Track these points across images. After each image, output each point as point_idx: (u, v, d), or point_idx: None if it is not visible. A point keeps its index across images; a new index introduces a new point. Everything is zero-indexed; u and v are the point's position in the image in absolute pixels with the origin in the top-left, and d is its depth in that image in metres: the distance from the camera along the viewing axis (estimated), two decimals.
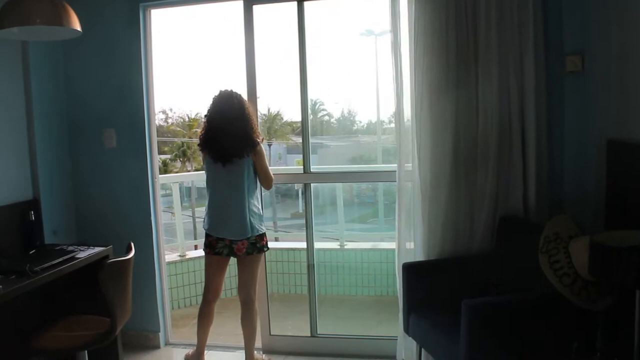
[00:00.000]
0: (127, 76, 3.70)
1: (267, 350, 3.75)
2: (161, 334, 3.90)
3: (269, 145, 17.71)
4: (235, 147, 3.26)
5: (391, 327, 3.74)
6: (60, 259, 3.08)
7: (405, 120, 3.23)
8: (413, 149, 3.21)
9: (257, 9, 3.53)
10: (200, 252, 4.69)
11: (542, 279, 2.55)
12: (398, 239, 3.33)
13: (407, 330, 3.11)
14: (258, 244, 3.39)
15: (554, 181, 3.18)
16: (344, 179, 4.21)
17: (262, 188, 3.49)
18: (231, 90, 3.34)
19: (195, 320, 3.57)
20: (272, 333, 3.77)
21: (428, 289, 3.11)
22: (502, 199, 3.16)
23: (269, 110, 20.03)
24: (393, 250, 4.60)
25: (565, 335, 2.52)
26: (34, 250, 3.31)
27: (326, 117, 19.19)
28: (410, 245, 3.31)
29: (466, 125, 3.16)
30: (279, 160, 18.04)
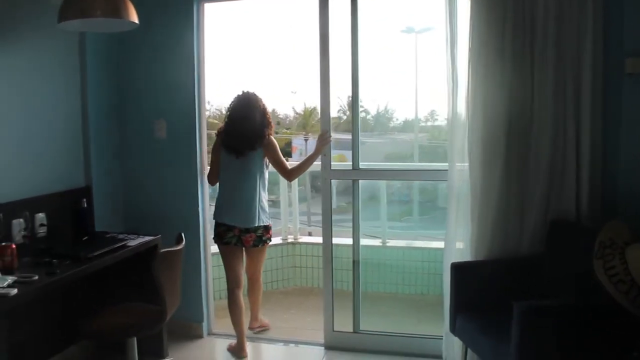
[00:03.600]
0: (180, 68, 3.75)
1: (329, 347, 3.75)
2: (204, 324, 3.96)
3: (305, 140, 17.77)
4: (247, 141, 3.59)
5: (431, 326, 3.74)
6: (113, 247, 3.15)
7: (458, 119, 3.19)
8: (464, 149, 3.18)
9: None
10: None
11: (594, 285, 2.51)
12: (447, 238, 3.30)
13: (453, 330, 3.09)
14: (264, 237, 3.71)
15: (609, 185, 3.11)
16: (393, 177, 4.21)
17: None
18: (249, 92, 3.70)
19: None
20: (335, 329, 3.77)
21: (476, 289, 3.08)
22: (553, 202, 3.11)
23: (305, 105, 20.03)
24: (434, 249, 4.70)
25: (623, 344, 2.46)
26: (86, 237, 3.39)
27: (362, 114, 19.10)
28: (459, 245, 3.28)
29: (519, 126, 3.11)
30: None
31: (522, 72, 3.09)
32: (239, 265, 3.81)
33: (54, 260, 2.87)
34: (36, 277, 2.63)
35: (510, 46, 3.06)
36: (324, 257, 3.73)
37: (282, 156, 3.70)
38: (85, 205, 3.50)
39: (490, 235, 3.17)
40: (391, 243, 4.87)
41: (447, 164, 3.26)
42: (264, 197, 3.70)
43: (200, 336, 3.93)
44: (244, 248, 3.74)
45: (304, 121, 20.20)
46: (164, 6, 3.66)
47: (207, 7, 3.77)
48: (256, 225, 3.65)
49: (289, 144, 18.54)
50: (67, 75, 3.54)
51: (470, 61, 3.11)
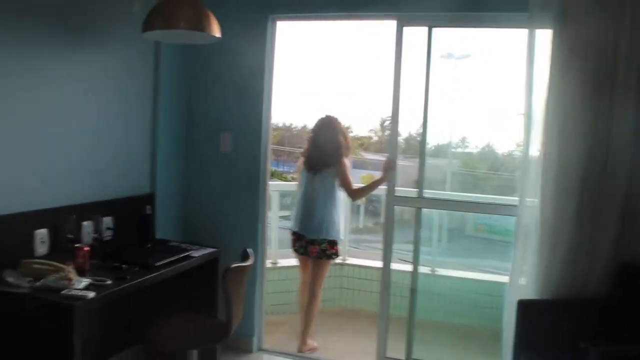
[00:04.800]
0: (250, 83, 3.79)
1: None
2: (255, 339, 3.94)
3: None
4: (322, 159, 3.98)
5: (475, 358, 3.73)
6: (179, 256, 3.16)
7: (531, 155, 3.18)
8: (536, 183, 3.16)
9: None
10: (292, 262, 4.81)
11: None
12: (511, 274, 3.26)
13: None
14: (327, 252, 4.00)
15: None
16: (457, 208, 4.17)
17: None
18: (331, 115, 4.11)
19: (285, 328, 4.28)
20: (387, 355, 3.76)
21: (541, 327, 3.03)
22: (626, 244, 3.06)
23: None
24: (483, 281, 4.66)
25: None
26: (149, 245, 3.41)
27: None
28: (522, 280, 3.24)
29: (596, 163, 3.07)
30: None
31: (600, 112, 3.05)
32: (307, 275, 4.17)
33: (123, 266, 2.90)
34: (109, 282, 2.65)
35: (590, 86, 3.04)
36: (382, 282, 3.71)
37: (349, 177, 3.97)
38: (149, 212, 3.53)
39: (558, 273, 3.12)
40: (440, 272, 4.83)
41: (510, 197, 3.23)
42: (334, 213, 3.98)
43: (249, 351, 3.92)
44: (309, 259, 4.07)
45: None
46: (237, 21, 3.68)
47: (280, 24, 3.81)
48: (321, 237, 3.95)
49: None
50: (140, 83, 3.60)
51: (547, 98, 3.10)
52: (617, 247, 3.07)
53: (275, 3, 3.69)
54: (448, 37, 3.67)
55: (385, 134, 23.94)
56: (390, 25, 3.55)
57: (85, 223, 3.11)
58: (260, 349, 3.99)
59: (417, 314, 3.84)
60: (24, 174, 2.79)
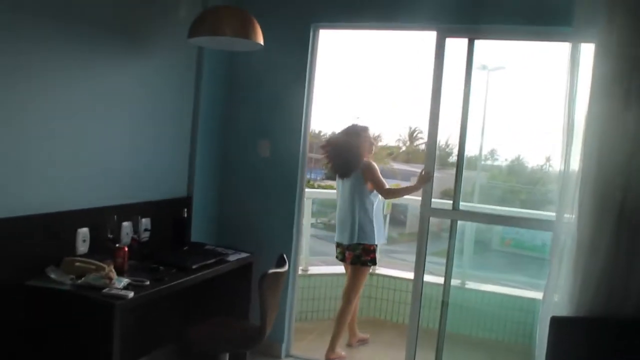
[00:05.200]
0: (290, 90, 3.83)
1: None
2: (284, 345, 3.97)
3: None
4: (346, 165, 4.09)
5: None
6: (215, 259, 3.20)
7: (571, 170, 3.15)
8: (574, 199, 3.13)
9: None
10: (321, 270, 4.85)
11: None
12: (546, 290, 3.23)
13: None
14: (362, 258, 4.06)
15: None
16: (494, 221, 4.14)
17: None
18: (355, 124, 4.22)
19: (313, 336, 4.38)
20: None
21: (574, 345, 3.00)
22: None
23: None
24: (512, 296, 4.62)
25: None
26: (186, 247, 3.46)
27: (422, 146, 19.03)
28: (556, 297, 3.21)
29: (636, 179, 3.04)
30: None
31: None
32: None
33: (161, 267, 2.95)
34: (147, 282, 2.70)
35: (632, 101, 3.01)
36: (413, 293, 3.69)
37: (379, 177, 4.05)
38: (186, 215, 3.58)
39: (594, 291, 3.07)
40: (470, 285, 4.80)
41: (547, 212, 3.20)
42: (364, 217, 4.05)
43: (278, 356, 3.94)
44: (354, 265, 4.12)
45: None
46: (280, 28, 3.72)
47: (322, 32, 3.85)
48: (354, 242, 4.05)
49: None
50: (182, 88, 3.66)
51: (588, 112, 3.07)
52: None
53: (318, 11, 3.73)
54: (482, 49, 3.65)
55: (414, 144, 23.89)
56: (430, 35, 3.56)
57: (124, 223, 3.17)
58: (288, 355, 4.01)
59: (447, 326, 3.83)
60: (67, 174, 2.85)
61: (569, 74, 3.14)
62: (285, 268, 3.02)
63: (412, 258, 3.72)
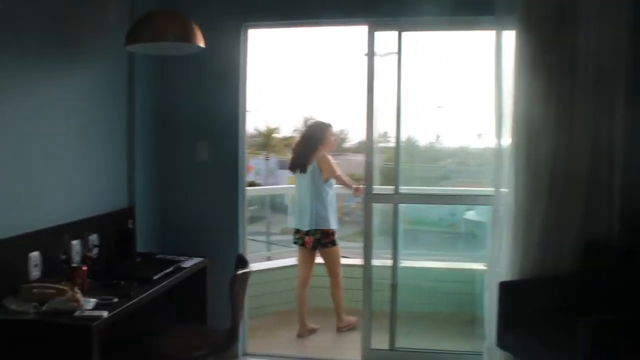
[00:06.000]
0: (223, 91, 3.80)
1: None
2: (240, 344, 3.95)
3: (266, 160, 17.79)
4: (302, 158, 4.53)
5: (455, 343, 4.00)
6: (172, 268, 3.14)
7: (503, 148, 3.40)
8: (509, 173, 3.38)
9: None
10: (263, 266, 4.93)
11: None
12: (490, 260, 3.50)
13: (502, 345, 3.25)
14: (322, 241, 4.47)
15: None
16: (434, 201, 4.33)
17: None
18: (316, 120, 4.90)
19: (262, 332, 4.55)
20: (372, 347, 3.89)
21: (522, 306, 3.26)
22: (590, 225, 3.34)
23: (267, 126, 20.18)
24: (448, 269, 4.88)
25: None
26: (139, 259, 3.37)
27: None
28: (499, 265, 3.47)
29: (561, 147, 3.32)
30: (271, 176, 18.00)
31: (562, 102, 3.31)
32: (305, 267, 4.62)
33: (122, 282, 2.86)
34: (115, 300, 2.62)
35: (553, 79, 3.29)
36: (364, 278, 3.83)
37: (332, 165, 4.51)
38: (131, 226, 3.48)
39: (533, 256, 3.36)
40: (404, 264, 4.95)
41: (484, 188, 3.44)
42: (320, 206, 4.44)
43: (235, 357, 3.93)
44: (314, 250, 4.54)
45: (265, 141, 20.29)
46: (210, 29, 3.67)
47: (251, 32, 3.85)
48: (313, 229, 4.43)
49: None
50: (116, 96, 3.53)
51: (514, 94, 3.34)
52: (585, 227, 3.34)
53: (247, 11, 3.73)
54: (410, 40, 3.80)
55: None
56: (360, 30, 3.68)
57: (73, 242, 3.04)
58: (245, 354, 4.02)
59: (383, 305, 4.00)
60: (7, 197, 2.66)
61: (495, 59, 3.39)
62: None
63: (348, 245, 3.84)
